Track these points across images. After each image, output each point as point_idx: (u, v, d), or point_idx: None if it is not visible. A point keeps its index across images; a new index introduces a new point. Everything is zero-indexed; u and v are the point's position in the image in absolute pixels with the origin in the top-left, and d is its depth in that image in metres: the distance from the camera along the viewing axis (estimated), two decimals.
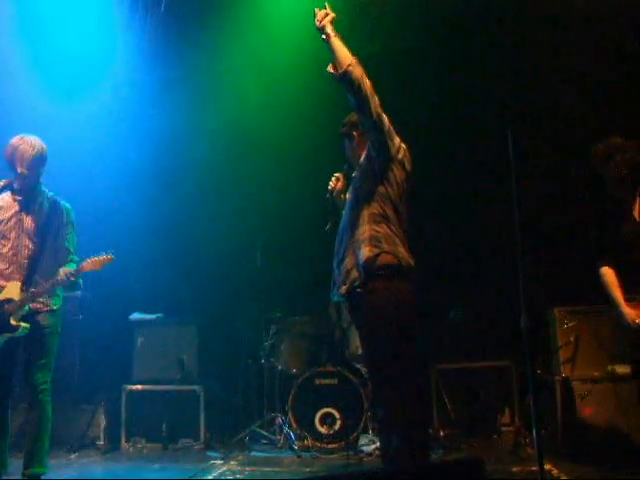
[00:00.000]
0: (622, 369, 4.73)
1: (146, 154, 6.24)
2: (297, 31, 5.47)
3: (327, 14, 3.06)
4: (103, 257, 3.96)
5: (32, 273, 3.92)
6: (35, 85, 6.05)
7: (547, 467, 4.19)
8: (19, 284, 3.87)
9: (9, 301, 3.83)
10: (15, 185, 3.97)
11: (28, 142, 3.94)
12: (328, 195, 3.39)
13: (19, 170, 3.87)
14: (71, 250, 4.07)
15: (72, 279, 3.88)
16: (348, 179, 3.42)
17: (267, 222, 6.19)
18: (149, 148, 6.27)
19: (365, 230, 3.05)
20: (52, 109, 5.97)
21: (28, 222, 3.97)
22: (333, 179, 3.41)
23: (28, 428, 3.91)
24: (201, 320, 5.94)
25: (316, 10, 3.07)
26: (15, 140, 3.94)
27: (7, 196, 4.01)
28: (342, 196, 3.46)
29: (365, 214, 3.08)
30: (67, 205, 4.12)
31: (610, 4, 5.28)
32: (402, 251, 3.03)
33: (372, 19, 5.90)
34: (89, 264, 3.93)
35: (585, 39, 5.53)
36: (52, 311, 4.00)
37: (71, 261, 4.03)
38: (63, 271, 3.86)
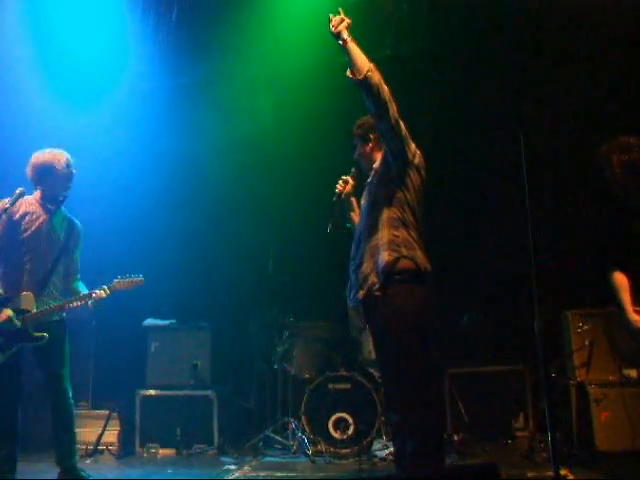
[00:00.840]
0: (635, 373, 4.71)
1: (158, 161, 6.28)
2: (308, 40, 5.49)
3: (342, 20, 3.06)
4: (135, 279, 4.12)
5: (45, 288, 3.97)
6: (46, 93, 6.12)
7: (563, 472, 4.14)
8: (31, 295, 3.91)
9: (25, 312, 3.88)
10: (46, 198, 4.04)
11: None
12: (335, 198, 3.39)
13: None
14: (78, 270, 4.20)
15: (104, 297, 4.01)
16: (357, 181, 3.42)
17: (280, 228, 6.21)
18: (161, 155, 6.31)
19: (384, 235, 3.06)
20: (62, 117, 6.04)
21: (52, 237, 4.03)
22: (341, 182, 3.40)
23: (58, 428, 4.02)
24: (214, 325, 5.96)
25: (331, 16, 3.07)
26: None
27: (37, 206, 4.03)
28: (351, 199, 3.46)
29: (383, 219, 3.08)
30: (80, 226, 4.21)
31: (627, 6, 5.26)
32: (420, 256, 3.04)
33: (382, 23, 5.92)
34: (121, 284, 4.06)
35: (601, 39, 5.50)
36: (62, 320, 4.08)
37: (78, 280, 4.16)
38: (98, 292, 3.99)
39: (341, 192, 3.38)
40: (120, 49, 6.16)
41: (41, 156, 4.06)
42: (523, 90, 5.65)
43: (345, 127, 3.54)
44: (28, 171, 4.08)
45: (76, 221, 4.19)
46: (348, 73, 3.06)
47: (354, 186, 3.40)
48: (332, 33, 3.06)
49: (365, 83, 2.99)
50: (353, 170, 3.41)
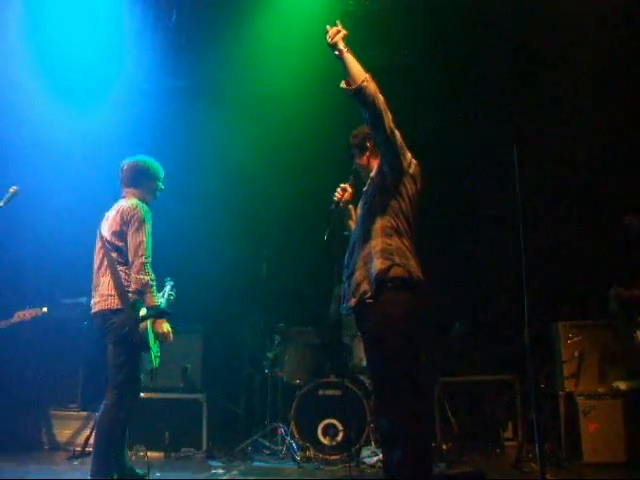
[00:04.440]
0: (625, 385, 4.74)
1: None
2: (307, 49, 5.49)
3: (339, 31, 3.08)
4: None
5: None
6: (42, 91, 6.11)
7: None
8: None
9: None
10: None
11: None
12: (333, 206, 3.40)
13: None
14: None
15: None
16: (355, 189, 3.43)
17: (273, 233, 6.21)
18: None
19: (377, 243, 3.07)
20: (58, 116, 6.03)
21: None
22: (339, 190, 3.41)
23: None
24: (206, 329, 5.94)
25: (328, 27, 3.09)
26: None
27: None
28: (349, 206, 3.47)
29: (377, 227, 3.10)
30: None
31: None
32: (413, 264, 3.05)
33: (379, 32, 5.94)
34: None
35: (596, 50, 5.54)
36: None
37: None
38: None
39: (339, 200, 3.39)
40: (118, 49, 6.15)
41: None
42: (519, 100, 5.67)
43: (340, 133, 3.55)
44: None
45: None
46: (342, 84, 3.08)
47: (352, 194, 3.41)
48: (328, 44, 3.08)
49: (360, 93, 3.01)
50: (351, 178, 3.43)
